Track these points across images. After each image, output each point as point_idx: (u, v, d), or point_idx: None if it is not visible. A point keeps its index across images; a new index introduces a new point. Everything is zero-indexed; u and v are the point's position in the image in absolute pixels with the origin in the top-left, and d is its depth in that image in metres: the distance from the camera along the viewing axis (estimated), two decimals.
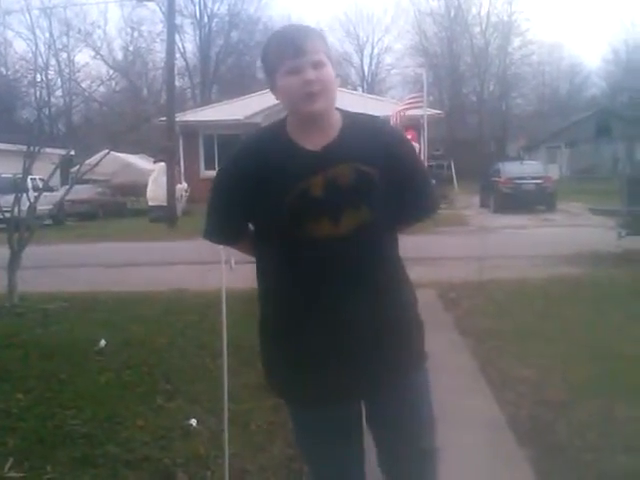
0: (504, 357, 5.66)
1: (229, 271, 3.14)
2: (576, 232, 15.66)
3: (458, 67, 51.55)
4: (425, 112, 23.92)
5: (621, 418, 4.21)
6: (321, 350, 2.18)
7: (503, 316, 7.07)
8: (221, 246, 3.00)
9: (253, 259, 2.30)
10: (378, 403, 2.32)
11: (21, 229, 8.48)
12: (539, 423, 4.23)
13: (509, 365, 5.43)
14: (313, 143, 2.15)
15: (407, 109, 23.36)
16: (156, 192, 24.14)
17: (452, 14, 51.55)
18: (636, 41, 51.37)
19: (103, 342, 6.25)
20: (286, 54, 2.08)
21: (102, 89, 46.43)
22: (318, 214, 2.11)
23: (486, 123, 48.21)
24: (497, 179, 24.06)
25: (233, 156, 2.30)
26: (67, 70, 48.21)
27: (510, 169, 25.09)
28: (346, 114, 2.25)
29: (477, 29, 51.63)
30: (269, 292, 2.28)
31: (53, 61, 48.53)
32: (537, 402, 4.57)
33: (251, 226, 2.30)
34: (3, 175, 19.34)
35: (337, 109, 2.22)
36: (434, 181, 2.48)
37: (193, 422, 4.31)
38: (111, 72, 48.91)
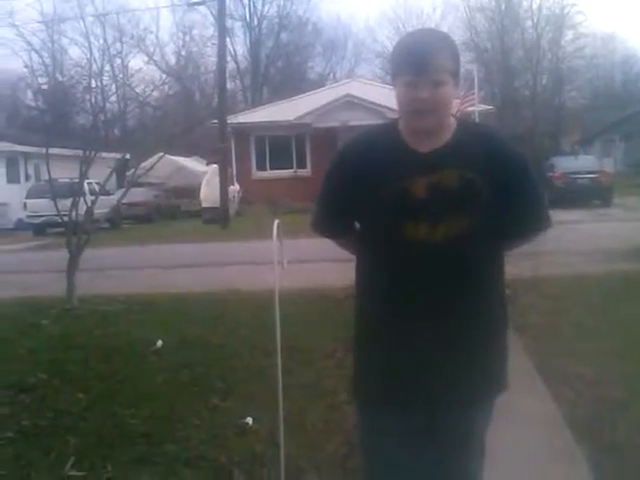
0: (560, 354, 5.59)
1: (282, 271, 3.16)
2: (633, 227, 15.34)
3: (510, 61, 50.78)
4: (476, 108, 23.68)
5: None
6: (408, 354, 2.18)
7: (559, 313, 6.98)
8: (277, 246, 3.03)
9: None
10: (446, 419, 2.28)
11: (79, 233, 8.67)
12: (597, 421, 4.16)
13: (566, 363, 5.35)
14: (423, 146, 2.15)
15: (463, 108, 23.17)
16: (209, 194, 24.40)
17: (503, 8, 50.82)
18: None
19: (160, 342, 6.34)
20: (407, 66, 2.07)
21: (156, 94, 47.38)
22: (416, 216, 2.11)
23: (539, 117, 47.47)
24: (552, 174, 23.71)
25: (343, 150, 2.32)
26: (121, 76, 49.22)
27: (565, 164, 24.73)
28: (461, 121, 2.24)
29: (529, 23, 50.79)
30: (365, 291, 2.29)
31: (107, 67, 49.68)
32: (595, 399, 4.50)
33: (357, 224, 2.31)
34: (60, 180, 19.75)
35: (453, 116, 2.21)
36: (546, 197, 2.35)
37: (249, 421, 4.35)
38: (164, 77, 49.78)
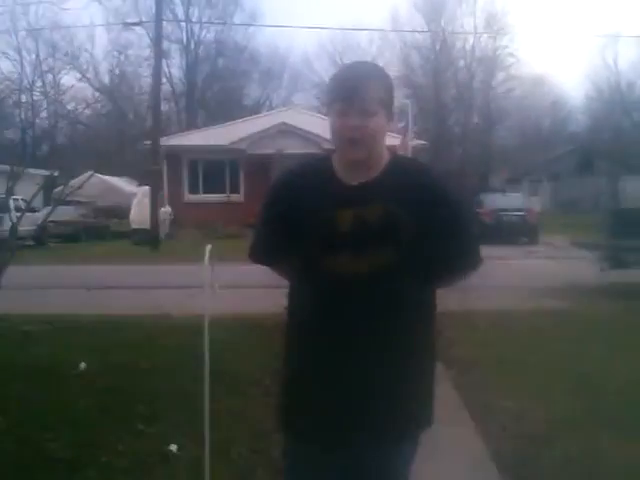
0: (486, 389, 5.66)
1: (213, 295, 3.13)
2: (559, 265, 15.75)
3: (443, 99, 51.97)
4: (410, 142, 24.06)
5: (602, 452, 4.21)
6: (331, 389, 2.16)
7: (485, 347, 7.08)
8: (208, 270, 3.00)
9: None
10: (368, 460, 2.25)
11: (2, 249, 8.41)
12: (521, 455, 4.22)
13: (491, 397, 5.42)
14: (354, 178, 2.16)
15: (406, 142, 23.47)
16: (139, 215, 24.08)
17: (437, 47, 52.05)
18: (618, 80, 52.10)
19: (83, 365, 6.18)
20: (339, 95, 2.10)
21: (88, 112, 46.89)
22: (341, 247, 2.11)
23: (469, 155, 48.62)
24: (480, 210, 24.16)
25: (277, 182, 2.34)
26: (52, 92, 48.45)
27: (493, 201, 25.22)
28: (396, 156, 2.25)
29: (462, 62, 52.18)
30: (292, 320, 2.29)
31: (39, 83, 48.95)
32: (519, 435, 4.56)
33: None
34: None
35: (389, 150, 2.23)
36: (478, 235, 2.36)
37: (173, 448, 4.26)
38: (97, 95, 49.19)
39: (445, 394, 5.56)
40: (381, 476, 2.27)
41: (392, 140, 23.48)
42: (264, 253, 2.38)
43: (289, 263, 2.31)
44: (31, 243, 22.10)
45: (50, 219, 11.64)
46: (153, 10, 25.00)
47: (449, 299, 8.98)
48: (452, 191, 2.23)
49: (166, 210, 25.46)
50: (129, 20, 45.11)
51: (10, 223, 8.77)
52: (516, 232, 23.27)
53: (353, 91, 2.07)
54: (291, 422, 2.30)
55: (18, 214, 9.35)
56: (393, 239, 2.10)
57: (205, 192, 28.95)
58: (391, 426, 2.19)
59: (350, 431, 2.18)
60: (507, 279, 13.15)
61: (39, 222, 12.35)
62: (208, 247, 3.05)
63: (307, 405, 2.21)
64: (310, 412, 2.21)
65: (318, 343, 2.17)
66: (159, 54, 24.82)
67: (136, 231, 24.44)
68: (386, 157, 2.21)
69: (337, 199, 2.14)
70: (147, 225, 22.34)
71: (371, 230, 2.10)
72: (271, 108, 50.41)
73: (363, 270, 2.09)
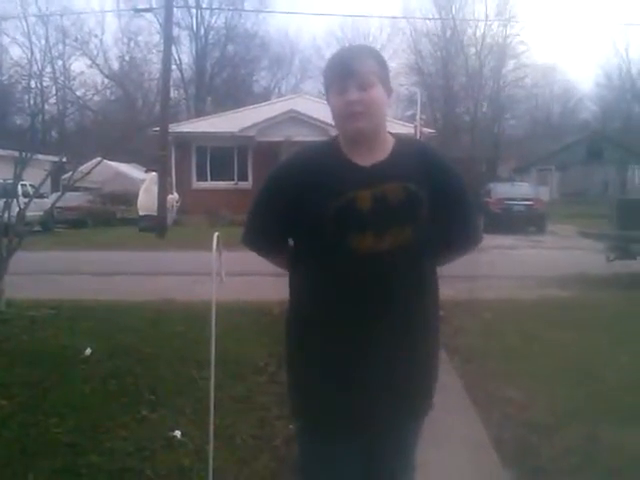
0: (490, 377, 5.66)
1: (219, 283, 3.12)
2: (565, 254, 15.73)
3: (452, 87, 51.71)
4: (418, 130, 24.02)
5: (604, 441, 4.21)
6: (347, 372, 2.17)
7: (491, 336, 7.07)
8: (216, 257, 3.00)
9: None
10: (380, 439, 2.31)
11: (10, 235, 8.44)
12: (523, 445, 4.22)
13: (495, 386, 5.42)
14: (365, 160, 2.19)
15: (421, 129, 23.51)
16: (147, 202, 24.07)
17: (448, 35, 51.72)
18: (629, 67, 51.80)
19: (89, 350, 6.21)
20: (335, 74, 2.17)
21: (97, 98, 46.87)
22: (362, 227, 2.12)
23: (478, 143, 48.32)
24: (488, 199, 24.13)
25: (281, 165, 2.35)
26: (62, 78, 48.42)
27: (501, 190, 25.21)
28: (398, 136, 2.29)
29: (472, 50, 51.86)
30: (302, 307, 2.27)
31: (48, 68, 48.91)
32: (521, 424, 4.56)
33: (290, 241, 2.31)
34: None
35: (390, 133, 2.27)
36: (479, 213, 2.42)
37: (177, 434, 4.28)
38: (106, 81, 49.15)
39: (448, 382, 5.58)
40: (392, 456, 2.33)
41: (402, 129, 23.49)
42: (263, 241, 2.36)
43: (287, 250, 2.32)
44: (38, 229, 22.17)
45: (57, 205, 11.61)
46: None
47: (455, 288, 8.96)
48: (455, 168, 2.32)
49: (173, 197, 25.47)
50: (139, 6, 45.27)
51: (18, 209, 8.80)
52: (523, 221, 23.27)
53: (348, 67, 2.13)
54: (311, 410, 2.28)
55: (26, 200, 9.38)
56: (412, 216, 2.15)
57: (213, 179, 28.93)
58: (405, 406, 2.24)
59: (368, 413, 2.20)
60: (513, 268, 13.15)
61: (47, 208, 12.32)
62: (216, 234, 3.05)
63: (330, 391, 2.20)
64: (333, 398, 2.20)
65: (341, 325, 2.16)
66: (169, 40, 24.76)
67: (143, 218, 24.45)
68: (390, 139, 2.26)
69: (354, 180, 2.15)
70: (154, 212, 22.35)
71: (391, 208, 2.13)
72: (280, 95, 50.30)
73: (384, 249, 2.11)
